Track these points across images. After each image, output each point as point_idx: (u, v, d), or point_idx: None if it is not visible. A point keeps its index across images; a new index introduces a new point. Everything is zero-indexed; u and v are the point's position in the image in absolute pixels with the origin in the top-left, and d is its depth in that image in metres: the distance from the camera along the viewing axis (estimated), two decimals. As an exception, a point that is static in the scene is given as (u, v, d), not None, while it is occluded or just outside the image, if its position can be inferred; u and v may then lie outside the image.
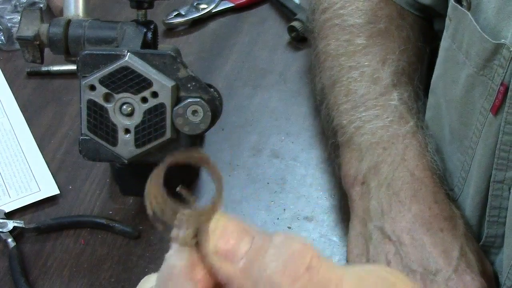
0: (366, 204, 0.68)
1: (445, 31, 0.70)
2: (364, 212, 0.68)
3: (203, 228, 0.33)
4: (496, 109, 0.62)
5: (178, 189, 0.33)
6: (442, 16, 0.80)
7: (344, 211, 0.76)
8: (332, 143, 0.76)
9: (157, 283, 0.35)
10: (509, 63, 0.60)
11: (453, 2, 0.67)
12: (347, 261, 0.68)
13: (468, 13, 0.64)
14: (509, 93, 0.61)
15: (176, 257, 0.35)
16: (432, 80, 0.74)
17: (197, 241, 0.34)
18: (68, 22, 0.70)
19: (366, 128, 0.71)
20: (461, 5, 0.66)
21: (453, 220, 0.66)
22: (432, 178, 0.68)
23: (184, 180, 0.77)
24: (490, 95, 0.63)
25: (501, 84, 0.61)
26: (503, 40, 0.61)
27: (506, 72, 0.61)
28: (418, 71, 0.79)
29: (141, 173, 0.74)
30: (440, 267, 0.62)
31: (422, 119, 0.74)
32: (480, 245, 0.69)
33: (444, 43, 0.70)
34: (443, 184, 0.69)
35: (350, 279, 0.32)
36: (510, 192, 0.64)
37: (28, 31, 0.70)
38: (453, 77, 0.68)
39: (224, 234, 0.32)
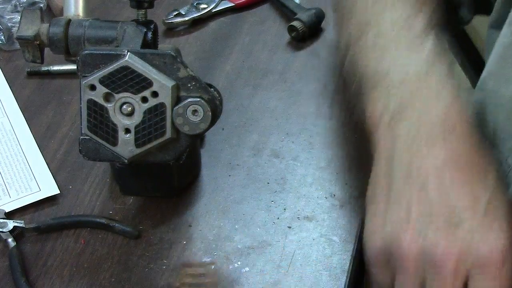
0: (393, 144, 0.62)
1: (506, 27, 0.66)
2: (389, 153, 0.62)
3: None
4: None
5: None
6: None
7: (345, 210, 0.76)
8: (355, 86, 0.71)
9: None
10: None
11: None
12: (366, 205, 0.64)
13: None
14: None
15: None
16: (481, 77, 0.71)
17: None
18: (68, 22, 0.70)
19: (397, 67, 0.66)
20: None
21: (486, 169, 0.61)
22: (466, 122, 0.62)
23: (184, 180, 0.78)
24: None
25: None
26: None
27: None
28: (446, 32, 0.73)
29: (141, 173, 0.75)
30: (465, 217, 0.58)
31: (454, 63, 0.70)
32: None
33: (503, 40, 0.66)
34: (476, 131, 0.63)
35: None
36: None
37: (28, 31, 0.70)
38: (508, 76, 0.65)
39: None
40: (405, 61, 0.66)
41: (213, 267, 0.71)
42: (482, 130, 0.69)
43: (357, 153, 0.82)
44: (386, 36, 0.69)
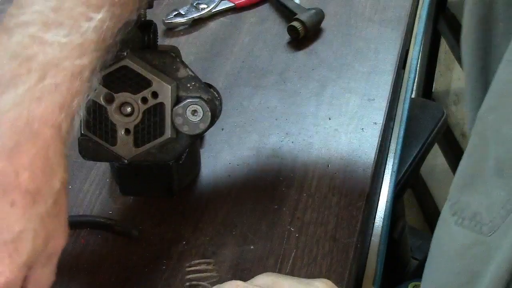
0: None
1: (506, 58, 0.66)
2: None
3: None
4: None
5: None
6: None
7: (346, 211, 0.76)
8: None
9: None
10: None
11: None
12: None
13: None
14: None
15: None
16: (482, 107, 0.70)
17: None
18: (68, 22, 0.70)
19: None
20: None
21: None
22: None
23: (184, 180, 0.78)
24: None
25: None
26: None
27: None
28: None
29: (141, 173, 0.75)
30: None
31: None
32: None
33: (503, 75, 0.66)
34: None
35: None
36: None
37: (28, 31, 0.70)
38: (509, 117, 0.65)
39: None
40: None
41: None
42: (481, 162, 0.69)
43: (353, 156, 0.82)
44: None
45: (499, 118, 0.66)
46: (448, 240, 0.79)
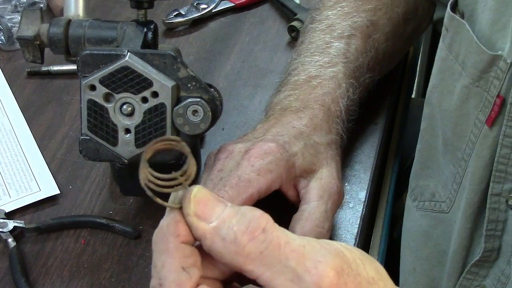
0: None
1: (441, 41, 0.70)
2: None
3: (186, 195, 0.43)
4: (492, 121, 0.62)
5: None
6: (443, 4, 0.80)
7: (346, 209, 0.76)
8: None
9: (153, 240, 0.44)
10: (506, 75, 0.60)
11: (450, 12, 0.67)
12: None
13: (466, 23, 0.64)
14: (508, 106, 0.61)
15: (165, 218, 0.44)
16: (427, 90, 0.74)
17: (181, 206, 0.43)
18: (69, 22, 0.70)
19: (299, 69, 0.77)
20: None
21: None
22: (324, 111, 0.72)
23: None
24: (485, 107, 0.62)
25: (497, 96, 0.61)
26: (500, 52, 0.60)
27: (502, 84, 0.61)
28: (380, 32, 0.80)
29: (141, 173, 0.74)
30: None
31: (359, 68, 0.77)
32: (476, 260, 0.68)
33: (440, 53, 0.70)
34: (337, 124, 0.73)
35: (297, 239, 0.41)
36: (507, 205, 0.64)
37: (29, 31, 0.70)
38: (449, 88, 0.68)
39: (202, 201, 0.42)
40: (305, 66, 0.77)
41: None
42: (433, 143, 0.71)
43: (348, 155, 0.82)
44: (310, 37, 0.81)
45: (441, 93, 0.69)
46: (414, 227, 0.81)
